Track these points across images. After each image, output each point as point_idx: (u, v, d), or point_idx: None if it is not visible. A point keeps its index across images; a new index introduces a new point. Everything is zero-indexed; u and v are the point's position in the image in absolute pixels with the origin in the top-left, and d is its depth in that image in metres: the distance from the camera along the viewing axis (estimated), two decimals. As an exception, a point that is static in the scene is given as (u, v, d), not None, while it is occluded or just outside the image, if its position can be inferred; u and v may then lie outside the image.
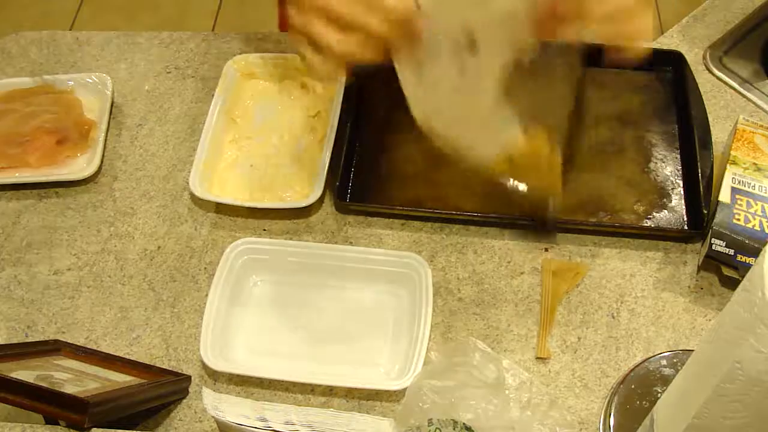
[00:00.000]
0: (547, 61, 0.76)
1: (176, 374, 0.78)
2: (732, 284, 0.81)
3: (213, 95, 0.95)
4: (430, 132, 0.76)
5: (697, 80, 0.93)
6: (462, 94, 0.73)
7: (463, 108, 0.75)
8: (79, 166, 0.93)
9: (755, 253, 0.77)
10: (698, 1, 1.05)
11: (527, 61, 0.71)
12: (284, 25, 1.17)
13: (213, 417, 0.65)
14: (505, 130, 0.77)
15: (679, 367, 0.64)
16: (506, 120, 0.76)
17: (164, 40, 1.06)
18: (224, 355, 0.78)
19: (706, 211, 0.82)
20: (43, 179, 0.92)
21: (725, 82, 0.97)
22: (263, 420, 0.66)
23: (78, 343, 0.80)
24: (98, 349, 0.80)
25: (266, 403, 0.69)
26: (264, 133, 0.95)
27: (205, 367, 0.78)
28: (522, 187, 0.82)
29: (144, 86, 1.02)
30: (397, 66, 0.71)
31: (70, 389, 0.66)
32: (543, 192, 0.82)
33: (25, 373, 0.67)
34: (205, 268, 0.86)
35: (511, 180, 0.82)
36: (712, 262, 0.80)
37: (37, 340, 0.81)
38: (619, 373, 0.76)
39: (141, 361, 0.79)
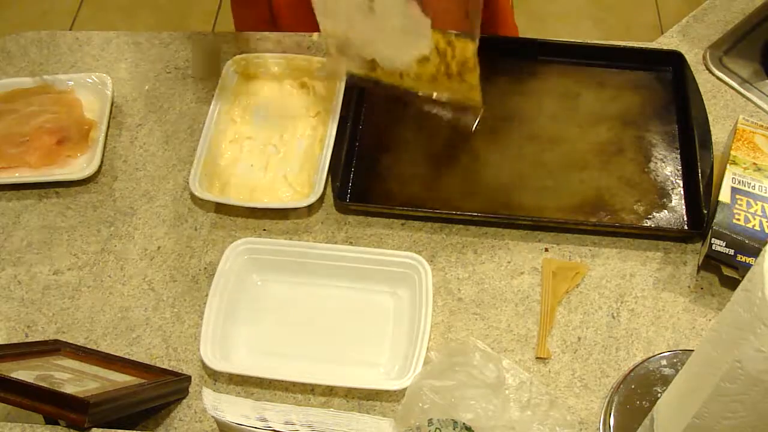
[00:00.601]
0: None
1: (176, 374, 0.78)
2: (732, 284, 0.81)
3: (213, 95, 0.95)
4: (344, 50, 0.79)
5: (697, 80, 0.93)
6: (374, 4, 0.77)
7: (376, 17, 0.78)
8: (79, 166, 0.93)
9: (755, 253, 0.77)
10: (698, 1, 1.05)
11: None
12: (240, 24, 1.17)
13: (213, 417, 0.65)
14: (418, 37, 0.78)
15: (679, 367, 0.64)
16: (418, 25, 0.77)
17: (164, 40, 1.06)
18: (224, 355, 0.78)
19: (706, 211, 0.82)
20: (43, 179, 0.92)
21: (725, 82, 0.97)
22: (263, 420, 0.66)
23: (78, 343, 0.80)
24: (98, 349, 0.80)
25: (266, 403, 0.69)
26: (264, 133, 0.95)
27: (205, 367, 0.78)
28: (443, 111, 0.83)
29: (144, 86, 1.02)
30: None
31: (70, 389, 0.66)
32: (464, 102, 0.83)
33: (25, 373, 0.67)
34: (205, 268, 0.86)
35: (432, 96, 0.83)
36: (712, 262, 0.80)
37: (37, 340, 0.81)
38: (619, 373, 0.76)
39: (141, 361, 0.79)
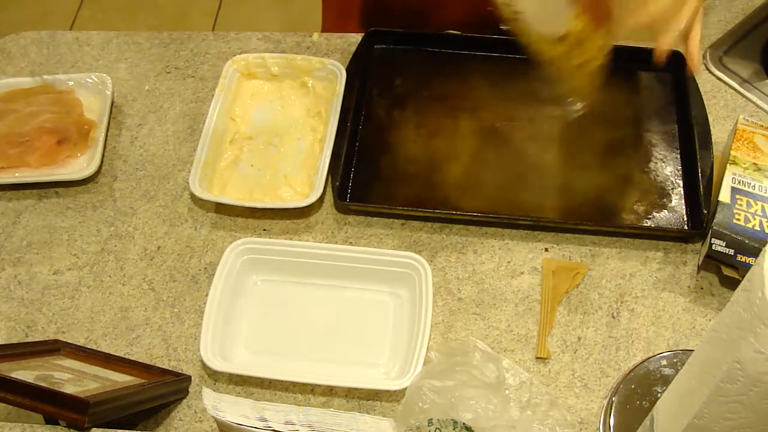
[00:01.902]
0: None
1: (176, 374, 0.78)
2: (732, 284, 0.81)
3: (213, 95, 0.95)
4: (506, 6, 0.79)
5: (697, 80, 0.93)
6: None
7: None
8: (79, 166, 0.93)
9: (755, 253, 0.77)
10: (698, 1, 1.05)
11: None
12: (328, 26, 1.17)
13: (213, 417, 0.65)
14: (564, 13, 0.78)
15: (679, 367, 0.64)
16: (566, 4, 0.78)
17: (164, 40, 1.06)
18: (224, 355, 0.78)
19: (706, 211, 0.82)
20: (43, 179, 0.92)
21: (725, 82, 0.97)
22: (263, 420, 0.66)
23: (78, 343, 0.80)
24: (98, 349, 0.80)
25: (266, 403, 0.69)
26: (264, 133, 0.95)
27: (205, 367, 0.78)
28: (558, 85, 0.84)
29: (144, 86, 1.02)
30: None
31: (70, 389, 0.66)
32: (575, 91, 0.83)
33: (25, 373, 0.67)
34: (205, 268, 0.86)
35: (554, 69, 0.82)
36: (712, 262, 0.80)
37: (37, 340, 0.81)
38: (619, 373, 0.76)
39: (141, 361, 0.79)
